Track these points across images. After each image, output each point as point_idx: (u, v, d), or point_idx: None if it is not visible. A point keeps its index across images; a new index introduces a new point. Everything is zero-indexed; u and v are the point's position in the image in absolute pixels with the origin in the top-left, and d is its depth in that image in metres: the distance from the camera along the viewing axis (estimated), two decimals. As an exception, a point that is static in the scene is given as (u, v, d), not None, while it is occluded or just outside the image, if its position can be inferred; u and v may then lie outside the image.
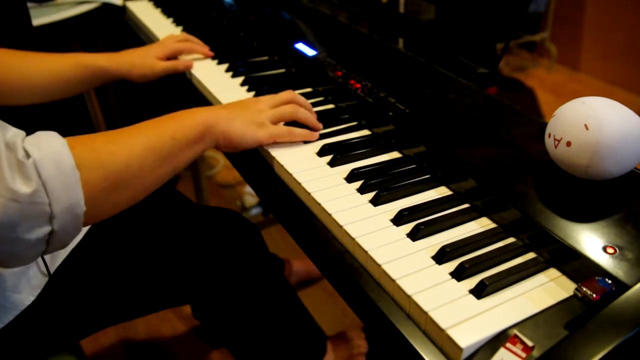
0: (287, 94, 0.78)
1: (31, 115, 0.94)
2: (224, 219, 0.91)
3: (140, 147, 0.60)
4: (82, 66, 0.91)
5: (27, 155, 0.49)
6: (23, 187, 0.48)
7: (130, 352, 1.40)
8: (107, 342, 1.41)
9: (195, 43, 1.05)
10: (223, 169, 2.11)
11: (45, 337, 0.77)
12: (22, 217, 0.48)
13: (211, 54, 1.04)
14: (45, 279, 0.74)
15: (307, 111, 0.77)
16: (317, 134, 0.76)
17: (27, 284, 0.72)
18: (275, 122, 0.74)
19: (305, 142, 0.76)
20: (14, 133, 0.51)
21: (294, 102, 0.77)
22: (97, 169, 0.55)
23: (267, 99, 0.77)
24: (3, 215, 0.47)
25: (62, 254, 0.76)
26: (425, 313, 0.48)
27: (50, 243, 0.53)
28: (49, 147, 0.51)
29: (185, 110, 0.69)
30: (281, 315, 1.01)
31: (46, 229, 0.51)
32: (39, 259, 0.73)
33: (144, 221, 0.85)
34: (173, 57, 1.02)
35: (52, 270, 0.75)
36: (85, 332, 0.83)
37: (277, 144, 0.75)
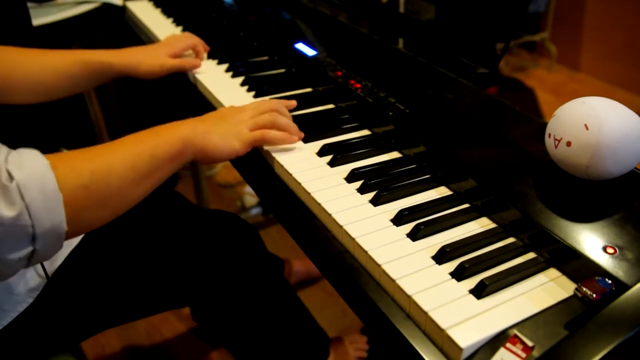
0: (267, 103, 0.78)
1: (32, 115, 0.94)
2: (222, 222, 0.91)
3: (120, 165, 0.60)
4: (86, 63, 0.90)
5: (10, 177, 0.49)
6: (6, 211, 0.48)
7: (131, 352, 1.40)
8: (107, 342, 1.41)
9: (196, 40, 1.05)
10: (223, 169, 2.11)
11: (44, 338, 0.77)
12: (5, 239, 0.49)
13: (207, 48, 1.05)
14: (44, 282, 0.74)
15: (286, 119, 0.76)
16: (295, 138, 0.75)
17: (25, 286, 0.72)
18: (253, 129, 0.74)
19: (305, 142, 0.76)
20: None
21: (276, 111, 0.77)
22: (79, 189, 0.55)
23: (250, 108, 0.76)
24: None
25: (61, 256, 0.76)
26: (425, 313, 0.48)
27: (31, 260, 0.53)
28: (32, 168, 0.51)
29: (163, 126, 0.68)
30: (281, 316, 1.01)
31: (28, 249, 0.51)
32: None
33: (143, 224, 0.85)
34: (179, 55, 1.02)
35: (50, 272, 0.75)
36: (85, 334, 0.83)
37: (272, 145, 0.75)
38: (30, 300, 0.72)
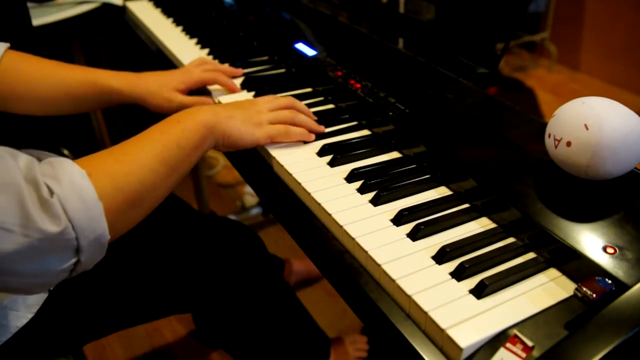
0: (286, 100, 0.78)
1: (33, 119, 0.93)
2: (223, 227, 0.91)
3: (150, 161, 0.60)
4: (93, 85, 0.85)
5: (51, 192, 0.49)
6: (52, 227, 0.48)
7: (131, 353, 1.40)
8: (108, 343, 1.41)
9: (222, 73, 0.92)
10: (223, 169, 2.11)
11: (46, 347, 0.77)
12: (51, 254, 0.49)
13: (238, 90, 0.92)
14: (45, 295, 0.73)
15: (305, 116, 0.77)
16: (313, 135, 0.76)
17: (25, 302, 0.72)
18: (273, 123, 0.74)
19: (305, 142, 0.76)
20: (25, 163, 0.50)
21: (294, 107, 0.77)
22: (116, 194, 0.55)
23: (266, 101, 0.76)
24: (32, 253, 0.48)
25: None
26: (425, 313, 0.48)
27: (74, 271, 0.53)
28: (69, 180, 0.50)
29: (185, 112, 0.68)
30: (282, 318, 1.01)
31: (73, 261, 0.51)
32: None
33: (144, 230, 0.85)
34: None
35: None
36: (85, 340, 0.83)
37: (276, 143, 0.75)
38: (30, 316, 0.72)
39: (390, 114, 0.76)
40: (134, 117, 1.85)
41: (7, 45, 0.81)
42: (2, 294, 0.70)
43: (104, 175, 0.55)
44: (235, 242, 0.90)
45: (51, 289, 0.73)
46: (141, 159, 0.60)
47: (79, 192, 0.50)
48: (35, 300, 0.73)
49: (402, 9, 1.07)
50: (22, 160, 0.50)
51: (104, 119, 1.73)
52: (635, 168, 0.59)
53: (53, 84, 0.84)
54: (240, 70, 0.96)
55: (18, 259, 0.47)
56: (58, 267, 0.50)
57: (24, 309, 0.72)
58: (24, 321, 0.71)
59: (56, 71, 0.85)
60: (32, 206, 0.47)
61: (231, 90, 0.92)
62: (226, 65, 0.96)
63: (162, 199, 0.64)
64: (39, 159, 0.53)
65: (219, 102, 0.89)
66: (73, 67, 0.86)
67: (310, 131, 0.76)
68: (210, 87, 0.92)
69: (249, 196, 1.90)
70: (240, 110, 0.73)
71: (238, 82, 0.95)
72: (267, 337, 0.98)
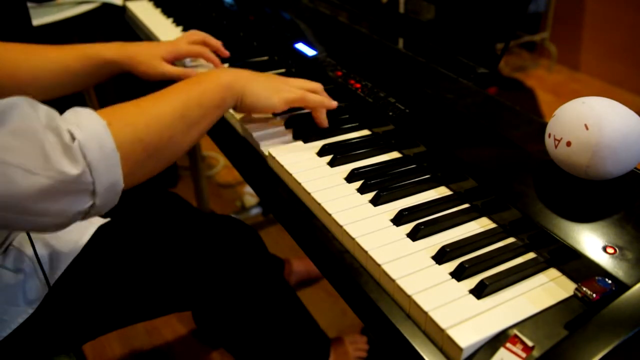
0: (317, 84, 0.80)
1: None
2: (223, 225, 0.91)
3: (170, 116, 0.63)
4: (88, 58, 0.88)
5: (72, 137, 0.51)
6: (72, 169, 0.51)
7: (131, 353, 1.40)
8: (108, 342, 1.41)
9: (210, 48, 0.98)
10: (223, 169, 2.11)
11: (46, 344, 0.77)
12: (69, 195, 0.52)
13: (221, 65, 0.98)
14: (45, 291, 0.74)
15: (326, 99, 0.78)
16: (335, 103, 0.78)
17: (25, 297, 0.72)
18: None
19: (305, 142, 0.76)
20: (46, 112, 0.52)
21: (322, 93, 0.79)
22: (135, 143, 0.58)
23: (296, 80, 0.79)
24: (53, 194, 0.50)
25: (63, 265, 0.76)
26: (425, 313, 0.48)
27: (88, 215, 0.56)
28: (91, 128, 0.53)
29: (207, 73, 0.71)
30: (282, 318, 1.00)
31: (88, 204, 0.54)
32: (39, 271, 0.74)
33: (143, 228, 0.85)
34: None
35: (52, 281, 0.74)
36: (86, 338, 0.83)
37: (276, 143, 0.75)
38: (31, 311, 0.72)
39: (390, 114, 0.76)
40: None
41: None
42: (3, 279, 0.71)
43: (125, 125, 0.58)
44: (235, 239, 0.90)
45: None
46: (161, 112, 0.62)
47: (98, 141, 0.53)
48: (36, 296, 0.73)
49: (402, 9, 1.07)
50: (41, 109, 0.52)
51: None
52: (635, 168, 0.59)
53: (51, 65, 0.86)
54: (227, 53, 1.00)
55: (40, 199, 0.50)
56: (75, 209, 0.53)
57: (25, 305, 0.72)
58: (25, 316, 0.72)
59: (50, 53, 0.87)
60: (53, 150, 0.50)
61: (216, 66, 0.97)
62: (214, 40, 1.00)
63: (181, 153, 0.66)
64: None
65: None
66: (65, 47, 0.89)
67: (327, 107, 0.78)
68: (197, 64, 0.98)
69: (249, 196, 1.90)
70: (264, 77, 0.76)
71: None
72: (267, 336, 0.98)
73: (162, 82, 0.96)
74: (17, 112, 0.50)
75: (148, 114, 0.61)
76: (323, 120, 0.77)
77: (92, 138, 0.52)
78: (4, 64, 0.82)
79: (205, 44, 0.98)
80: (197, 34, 0.99)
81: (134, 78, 0.93)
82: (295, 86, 0.77)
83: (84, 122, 0.53)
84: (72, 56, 0.88)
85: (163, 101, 0.64)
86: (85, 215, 0.56)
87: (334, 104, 0.79)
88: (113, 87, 1.77)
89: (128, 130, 0.57)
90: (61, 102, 0.92)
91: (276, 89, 0.75)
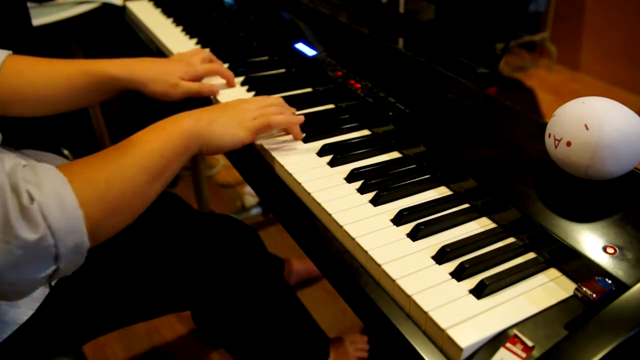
0: (275, 99, 0.78)
1: (33, 119, 0.93)
2: (222, 225, 0.91)
3: (132, 169, 0.60)
4: (92, 75, 0.84)
5: (31, 199, 0.48)
6: (30, 234, 0.47)
7: (131, 353, 1.40)
8: (108, 342, 1.41)
9: (220, 65, 0.96)
10: (223, 169, 2.11)
11: (46, 345, 0.77)
12: (29, 262, 0.49)
13: (234, 84, 0.94)
14: (46, 292, 0.74)
15: (291, 115, 0.77)
16: (301, 118, 0.76)
17: (26, 298, 0.72)
18: (257, 118, 0.74)
19: (305, 142, 0.76)
20: (10, 166, 0.50)
21: (278, 105, 0.77)
22: (97, 201, 0.55)
23: (255, 100, 0.77)
24: (10, 261, 0.47)
25: None
26: (425, 313, 0.48)
27: (52, 278, 0.53)
28: (50, 187, 0.50)
29: (169, 120, 0.68)
30: (281, 318, 1.00)
31: (52, 268, 0.51)
32: None
33: (143, 228, 0.85)
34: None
35: (52, 282, 0.74)
36: (86, 339, 0.83)
37: (276, 143, 0.75)
38: (32, 312, 0.72)
39: (390, 114, 0.76)
40: (134, 116, 1.85)
41: (9, 52, 0.81)
42: None
43: (86, 182, 0.54)
44: (235, 239, 0.90)
45: (47, 291, 0.73)
46: (123, 167, 0.59)
47: (59, 200, 0.50)
48: (37, 297, 0.73)
49: (402, 9, 1.07)
50: (8, 163, 0.50)
51: (104, 118, 1.73)
52: (635, 168, 0.59)
53: (56, 81, 0.84)
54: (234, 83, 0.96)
55: None
56: (36, 276, 0.50)
57: (25, 306, 0.72)
58: (25, 318, 0.71)
59: (56, 68, 0.85)
60: (12, 212, 0.47)
61: (229, 84, 0.94)
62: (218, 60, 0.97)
63: (145, 207, 0.63)
64: (39, 160, 0.53)
65: (217, 101, 0.90)
66: (71, 62, 0.86)
67: (295, 122, 0.76)
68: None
69: (249, 196, 1.90)
70: (224, 112, 0.72)
71: (238, 80, 0.95)
72: (267, 336, 0.98)
73: (169, 105, 0.94)
74: None
75: (109, 169, 0.58)
76: (297, 134, 0.76)
77: (52, 197, 0.49)
78: (10, 78, 0.81)
79: (211, 61, 0.95)
80: (204, 52, 0.96)
81: (139, 96, 0.90)
82: (255, 108, 0.74)
83: (43, 180, 0.50)
84: (76, 73, 0.85)
85: (124, 154, 0.61)
86: (49, 279, 0.52)
87: (300, 119, 0.76)
88: (118, 105, 1.77)
89: (88, 188, 0.54)
90: (66, 119, 0.91)
91: (239, 121, 0.72)
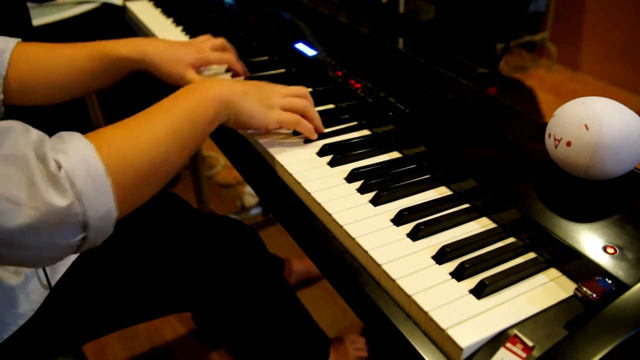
0: (301, 89, 0.78)
1: (32, 117, 0.93)
2: (222, 226, 0.91)
3: (162, 134, 0.59)
4: (104, 56, 0.84)
5: (59, 166, 0.48)
6: (59, 200, 0.47)
7: (131, 353, 1.40)
8: (108, 343, 1.41)
9: (233, 55, 0.95)
10: (223, 169, 2.11)
11: (47, 345, 0.77)
12: (59, 227, 0.49)
13: (248, 73, 0.95)
14: (46, 292, 0.74)
15: (316, 112, 0.77)
16: (316, 135, 0.76)
17: (26, 299, 0.72)
18: (286, 109, 0.74)
19: (305, 142, 0.76)
20: (36, 138, 0.50)
21: (307, 98, 0.77)
22: (126, 169, 0.54)
23: (281, 87, 0.76)
24: (40, 227, 0.47)
25: (63, 266, 0.76)
26: (425, 313, 0.48)
27: (81, 247, 0.53)
28: (77, 154, 0.50)
29: (200, 84, 0.67)
30: (281, 318, 1.01)
31: (80, 236, 0.51)
32: (40, 273, 0.73)
33: (143, 228, 0.85)
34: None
35: (52, 282, 0.74)
36: (86, 339, 0.83)
37: (277, 143, 0.75)
38: (32, 313, 0.72)
39: (390, 114, 0.76)
40: (131, 108, 1.85)
41: (18, 40, 0.81)
42: (3, 281, 0.70)
43: (114, 150, 0.54)
44: (235, 240, 0.90)
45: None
46: (153, 132, 0.58)
47: (87, 167, 0.50)
48: (37, 298, 0.73)
49: (402, 9, 1.07)
50: (33, 134, 0.50)
51: (103, 116, 1.73)
52: (635, 168, 0.59)
53: (68, 65, 0.84)
54: (239, 68, 0.96)
55: (27, 233, 0.47)
56: (66, 242, 0.50)
57: (26, 307, 0.72)
58: (26, 319, 0.71)
59: (67, 52, 0.84)
60: (40, 180, 0.47)
61: (240, 75, 0.94)
62: (229, 46, 0.96)
63: (174, 173, 0.63)
64: None
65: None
66: (81, 45, 0.86)
67: (316, 129, 0.76)
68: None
69: (249, 196, 1.90)
70: (256, 89, 0.72)
71: (235, 78, 0.95)
72: (267, 336, 0.98)
73: (158, 80, 0.95)
74: (10, 136, 0.48)
75: (138, 134, 0.57)
76: (312, 135, 0.76)
77: (79, 164, 0.49)
78: (21, 66, 0.80)
79: (224, 50, 0.95)
80: (217, 40, 0.95)
81: (136, 83, 0.90)
82: (282, 94, 0.74)
83: (70, 147, 0.50)
84: (87, 55, 0.84)
85: (153, 119, 0.60)
86: (79, 248, 0.52)
87: (321, 129, 0.76)
88: (115, 93, 1.77)
89: (118, 156, 0.53)
90: (64, 107, 0.92)
91: (270, 105, 0.72)
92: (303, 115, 0.75)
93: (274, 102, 0.73)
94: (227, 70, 0.98)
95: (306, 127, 0.74)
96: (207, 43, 0.93)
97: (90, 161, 0.50)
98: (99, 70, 0.85)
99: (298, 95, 0.76)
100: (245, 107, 0.69)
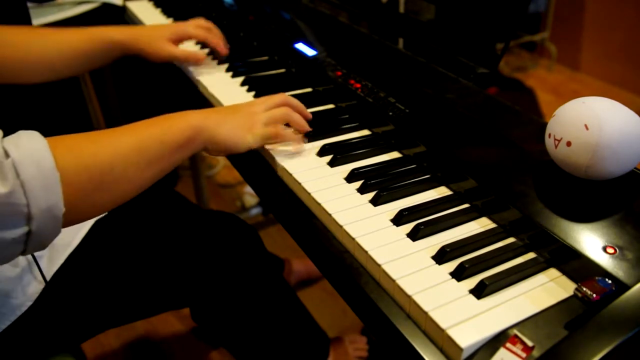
0: (280, 97, 0.77)
1: (29, 111, 0.94)
2: (222, 222, 0.91)
3: (126, 148, 0.59)
4: (97, 40, 0.91)
5: (6, 154, 0.48)
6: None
7: (130, 352, 1.40)
8: (107, 341, 1.41)
9: (215, 35, 1.02)
10: (223, 169, 2.11)
11: (44, 340, 0.77)
12: (1, 218, 0.48)
13: (226, 52, 1.02)
14: (42, 285, 0.74)
15: (299, 116, 0.76)
16: (302, 143, 0.75)
17: (23, 290, 0.72)
18: (268, 125, 0.73)
19: (306, 142, 0.76)
20: None
21: (288, 104, 0.76)
22: (79, 170, 0.54)
23: (261, 101, 0.76)
24: None
25: (60, 259, 0.76)
26: (425, 313, 0.48)
27: (28, 244, 0.52)
28: (29, 146, 0.50)
29: (176, 113, 0.68)
30: (281, 317, 1.00)
31: (23, 229, 0.50)
32: (34, 266, 0.73)
33: (142, 224, 0.85)
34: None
35: (48, 276, 0.74)
36: (84, 336, 0.83)
37: (276, 144, 0.75)
38: (29, 304, 0.72)
39: (390, 114, 0.76)
40: (131, 108, 1.85)
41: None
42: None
43: (70, 151, 0.54)
44: (234, 237, 0.90)
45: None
46: (116, 144, 0.59)
47: (36, 159, 0.50)
48: (34, 290, 0.73)
49: (402, 9, 1.07)
50: None
51: (101, 110, 1.73)
52: (635, 168, 0.59)
53: (61, 46, 0.89)
54: (225, 51, 1.02)
55: None
56: (8, 235, 0.49)
57: (23, 298, 0.72)
58: (23, 309, 0.72)
59: (60, 36, 0.90)
60: None
61: (221, 53, 1.01)
62: (217, 30, 1.03)
63: (136, 191, 0.62)
64: None
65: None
66: (74, 29, 0.92)
67: (300, 131, 0.75)
68: (191, 68, 1.00)
69: (249, 196, 1.90)
70: (233, 115, 0.72)
71: (238, 80, 0.95)
72: (267, 335, 0.98)
73: (158, 79, 0.99)
74: None
75: (99, 143, 0.58)
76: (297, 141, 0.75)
77: (28, 155, 0.49)
78: (16, 47, 0.84)
79: (209, 31, 1.01)
80: (204, 21, 1.03)
81: (131, 64, 0.96)
82: (263, 111, 0.74)
83: (23, 141, 0.50)
84: (81, 38, 0.90)
85: (121, 133, 0.61)
86: (25, 246, 0.51)
87: (304, 130, 0.76)
88: (114, 93, 1.77)
89: (72, 156, 0.54)
90: (56, 88, 0.95)
91: (247, 126, 0.71)
92: (288, 121, 0.75)
93: (254, 121, 0.72)
94: (203, 47, 1.07)
95: (288, 136, 0.73)
96: (193, 20, 1.01)
97: (40, 155, 0.50)
98: (95, 53, 0.92)
99: (277, 105, 0.75)
100: (220, 134, 0.69)
